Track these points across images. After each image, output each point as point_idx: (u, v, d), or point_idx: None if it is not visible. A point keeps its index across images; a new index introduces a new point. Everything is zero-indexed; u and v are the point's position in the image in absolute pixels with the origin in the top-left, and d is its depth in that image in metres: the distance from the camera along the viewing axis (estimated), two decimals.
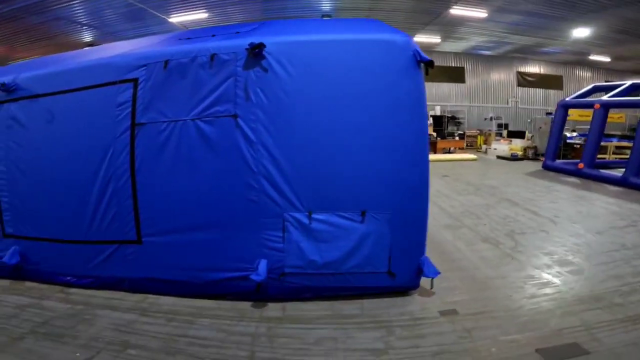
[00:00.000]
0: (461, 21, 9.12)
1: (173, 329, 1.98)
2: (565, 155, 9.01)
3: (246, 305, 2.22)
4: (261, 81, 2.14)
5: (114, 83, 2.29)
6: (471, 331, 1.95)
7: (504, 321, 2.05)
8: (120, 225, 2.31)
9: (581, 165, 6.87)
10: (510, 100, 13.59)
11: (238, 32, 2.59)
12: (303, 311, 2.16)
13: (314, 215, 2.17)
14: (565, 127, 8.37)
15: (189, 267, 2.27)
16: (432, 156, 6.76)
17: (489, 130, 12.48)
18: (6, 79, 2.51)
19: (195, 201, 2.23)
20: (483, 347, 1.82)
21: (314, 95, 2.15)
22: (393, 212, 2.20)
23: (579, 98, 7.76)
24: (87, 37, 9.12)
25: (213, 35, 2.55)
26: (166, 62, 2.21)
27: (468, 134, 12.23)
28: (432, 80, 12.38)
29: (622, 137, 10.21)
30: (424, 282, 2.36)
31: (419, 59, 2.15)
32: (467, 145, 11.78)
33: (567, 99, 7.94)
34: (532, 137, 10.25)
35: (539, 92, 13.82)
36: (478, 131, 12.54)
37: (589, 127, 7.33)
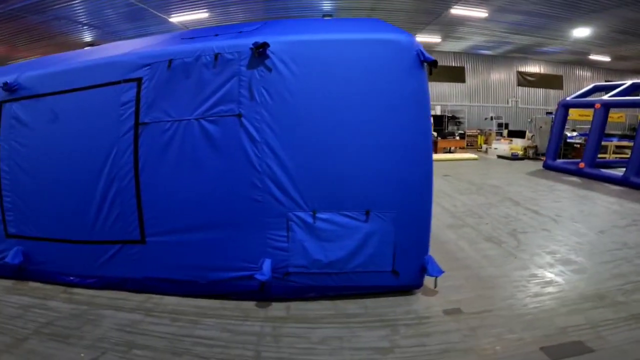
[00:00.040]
0: (462, 21, 9.13)
1: (178, 329, 1.98)
2: (566, 155, 9.02)
3: (250, 304, 2.22)
4: (265, 80, 2.14)
5: (117, 82, 2.28)
6: (476, 330, 1.95)
7: (509, 320, 2.05)
8: (123, 225, 2.31)
9: (582, 165, 6.88)
10: (510, 99, 13.61)
11: (241, 32, 2.59)
12: (307, 310, 2.16)
13: (318, 215, 2.17)
14: (566, 127, 8.39)
15: (193, 267, 2.27)
16: (433, 156, 6.75)
17: (489, 129, 12.49)
18: (8, 78, 2.50)
19: (199, 201, 2.22)
20: (488, 345, 1.82)
21: (318, 95, 2.15)
22: (397, 211, 2.20)
23: (579, 98, 7.78)
24: (88, 37, 9.10)
25: (216, 35, 2.55)
26: (170, 61, 2.21)
27: (468, 133, 12.24)
28: (433, 80, 12.35)
29: (622, 137, 10.24)
30: (428, 281, 2.37)
31: (422, 58, 2.15)
32: (467, 145, 11.79)
33: (567, 98, 7.95)
34: (532, 136, 10.26)
35: (539, 91, 13.84)
36: (478, 131, 12.55)
37: (589, 126, 7.35)
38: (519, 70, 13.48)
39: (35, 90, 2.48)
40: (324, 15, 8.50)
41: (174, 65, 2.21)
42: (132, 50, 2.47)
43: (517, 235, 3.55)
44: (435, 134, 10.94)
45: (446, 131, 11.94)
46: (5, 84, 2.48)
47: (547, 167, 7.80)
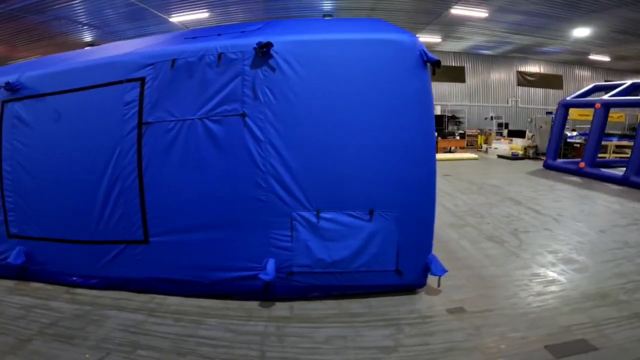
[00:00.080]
0: (462, 21, 9.14)
1: (182, 329, 1.98)
2: (566, 155, 9.04)
3: (253, 304, 2.21)
4: (269, 80, 2.14)
5: (120, 82, 2.28)
6: (480, 328, 1.95)
7: (512, 318, 2.05)
8: (127, 225, 2.31)
9: (582, 164, 6.90)
10: (510, 99, 13.63)
11: (244, 32, 2.59)
12: (311, 310, 2.16)
13: (322, 214, 2.18)
14: (566, 127, 8.41)
15: (197, 267, 2.26)
16: None
17: (490, 129, 12.51)
18: (11, 78, 2.50)
19: (203, 200, 2.22)
20: (492, 344, 1.82)
21: (322, 95, 2.15)
22: (400, 210, 2.20)
23: (579, 97, 7.80)
24: (88, 36, 9.08)
25: (219, 35, 2.55)
26: (173, 61, 2.21)
27: (468, 133, 12.26)
28: (433, 80, 12.12)
29: (622, 137, 10.27)
30: (431, 280, 2.37)
31: (425, 59, 2.16)
32: (467, 145, 11.81)
33: (568, 98, 7.96)
34: (532, 136, 10.28)
35: (539, 91, 13.87)
36: (478, 130, 12.57)
37: (589, 126, 7.37)
38: (519, 70, 13.51)
39: (38, 89, 2.47)
40: (324, 15, 8.50)
41: (177, 65, 2.21)
42: (135, 50, 2.47)
43: (519, 234, 3.55)
44: (435, 133, 10.93)
45: (446, 131, 11.95)
46: (8, 83, 2.47)
47: (547, 166, 7.82)
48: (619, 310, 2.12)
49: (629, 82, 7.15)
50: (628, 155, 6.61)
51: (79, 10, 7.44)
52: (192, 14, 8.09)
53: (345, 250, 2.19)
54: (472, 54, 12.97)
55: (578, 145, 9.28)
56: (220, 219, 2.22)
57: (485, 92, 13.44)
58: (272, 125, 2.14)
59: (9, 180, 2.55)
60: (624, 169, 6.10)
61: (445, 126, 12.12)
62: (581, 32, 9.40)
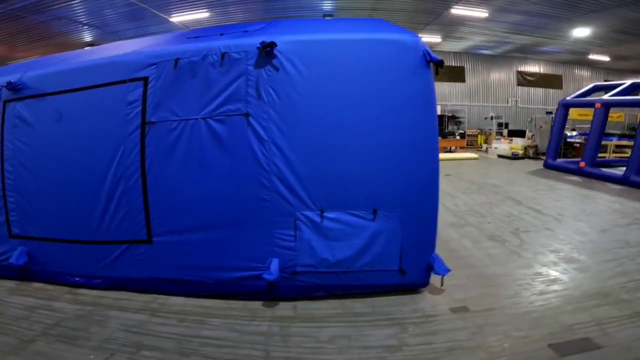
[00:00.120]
0: (462, 21, 9.15)
1: (185, 330, 1.98)
2: (566, 154, 9.06)
3: (257, 304, 2.21)
4: (273, 80, 2.14)
5: (123, 82, 2.28)
6: (483, 327, 1.96)
7: (515, 317, 2.06)
8: (130, 225, 2.30)
9: (582, 164, 6.92)
10: (510, 99, 13.65)
11: (246, 31, 2.59)
12: (314, 310, 2.16)
13: (326, 214, 2.18)
14: (566, 126, 8.43)
15: (200, 267, 2.26)
16: None
17: (490, 129, 12.53)
18: (12, 77, 2.49)
19: (207, 200, 2.22)
20: (496, 343, 1.83)
21: (325, 94, 2.16)
22: (404, 210, 2.21)
23: (579, 97, 7.81)
24: (88, 36, 9.06)
25: (221, 34, 2.55)
26: (176, 60, 2.21)
27: (468, 133, 12.28)
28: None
29: (621, 136, 10.30)
30: (434, 279, 2.37)
31: (428, 59, 2.16)
32: (467, 145, 11.83)
33: (568, 98, 7.98)
34: (532, 136, 10.31)
35: (539, 91, 13.89)
36: (478, 130, 12.59)
37: (588, 126, 7.38)
38: (519, 69, 13.53)
39: (40, 89, 2.47)
40: (324, 15, 8.49)
41: (181, 65, 2.21)
42: (137, 50, 2.47)
43: (520, 234, 3.56)
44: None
45: (446, 131, 11.97)
46: (9, 83, 2.46)
47: (547, 166, 7.84)
48: (620, 309, 2.12)
49: (628, 82, 7.17)
50: (628, 155, 6.63)
51: (79, 10, 7.42)
52: (192, 13, 8.08)
53: (348, 250, 2.19)
54: (472, 54, 12.99)
55: (578, 145, 9.30)
56: (223, 218, 2.22)
57: (485, 92, 13.46)
58: (276, 125, 2.14)
59: (10, 180, 2.54)
60: (624, 168, 6.12)
61: (445, 126, 12.14)
62: (581, 32, 9.42)
